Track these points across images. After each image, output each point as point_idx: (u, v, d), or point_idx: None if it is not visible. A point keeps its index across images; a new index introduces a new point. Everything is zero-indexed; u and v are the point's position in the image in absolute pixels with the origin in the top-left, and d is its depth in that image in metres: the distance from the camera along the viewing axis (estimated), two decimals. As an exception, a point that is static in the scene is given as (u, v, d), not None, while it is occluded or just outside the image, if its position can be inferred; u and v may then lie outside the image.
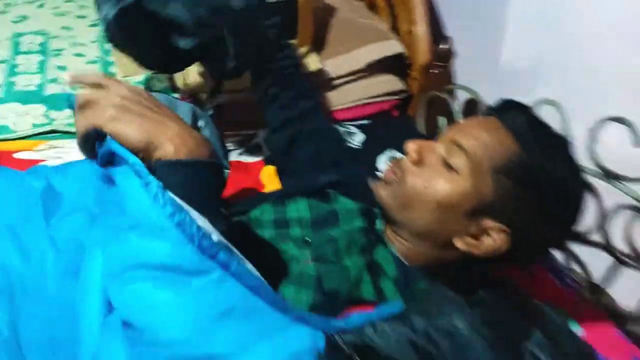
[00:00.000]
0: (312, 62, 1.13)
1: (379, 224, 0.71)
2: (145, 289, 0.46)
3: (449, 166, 0.62)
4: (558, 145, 0.64)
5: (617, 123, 0.79)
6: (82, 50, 1.31)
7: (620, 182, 0.80)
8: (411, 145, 0.65)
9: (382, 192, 0.66)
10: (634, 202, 0.78)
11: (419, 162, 0.65)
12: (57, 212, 0.61)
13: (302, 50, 1.13)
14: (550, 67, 1.07)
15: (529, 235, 0.62)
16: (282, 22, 0.90)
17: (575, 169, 0.64)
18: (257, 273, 0.51)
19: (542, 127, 0.64)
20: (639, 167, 0.78)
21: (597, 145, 0.82)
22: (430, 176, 0.63)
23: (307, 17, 1.11)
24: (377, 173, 1.02)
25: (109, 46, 1.27)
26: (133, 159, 0.51)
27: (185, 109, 0.66)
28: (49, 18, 1.42)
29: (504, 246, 0.61)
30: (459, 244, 0.62)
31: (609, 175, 0.81)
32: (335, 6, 1.31)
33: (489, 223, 0.61)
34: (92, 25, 1.39)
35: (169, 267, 0.47)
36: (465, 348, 0.49)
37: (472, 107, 1.32)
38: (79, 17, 1.44)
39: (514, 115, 0.63)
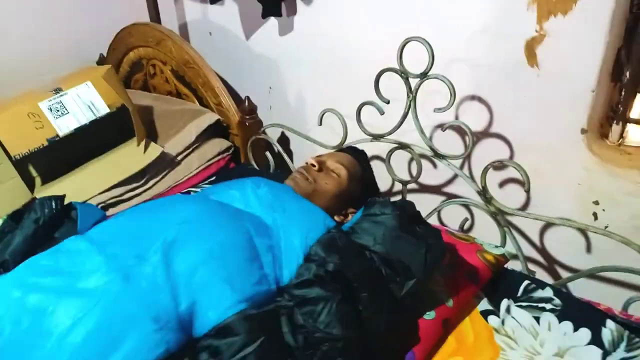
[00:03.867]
0: (154, 150, 1.41)
1: None
2: None
3: (336, 174, 1.06)
4: (366, 160, 1.19)
5: (369, 105, 1.24)
6: None
7: (381, 138, 1.25)
8: (313, 160, 1.08)
9: (295, 186, 1.02)
10: (395, 145, 1.23)
11: (320, 170, 1.06)
12: None
13: (142, 145, 1.40)
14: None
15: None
16: (118, 128, 1.16)
17: (371, 168, 1.19)
18: None
19: (363, 154, 1.19)
20: (387, 128, 1.24)
21: (361, 119, 1.27)
22: (328, 179, 1.05)
23: (137, 119, 1.39)
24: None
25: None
26: None
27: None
28: None
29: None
30: (336, 218, 1.06)
31: (373, 136, 1.26)
32: (151, 105, 1.62)
33: (350, 209, 1.08)
34: None
35: None
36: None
37: (284, 138, 1.74)
38: None
39: (353, 152, 1.19)
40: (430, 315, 0.90)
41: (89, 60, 1.92)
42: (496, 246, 1.06)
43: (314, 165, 1.05)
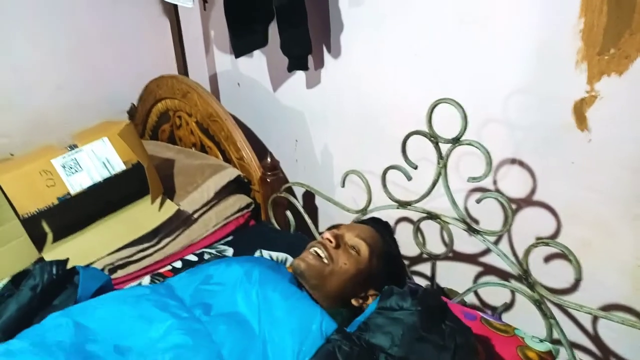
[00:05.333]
0: (170, 208, 1.34)
1: None
2: None
3: (355, 251, 0.92)
4: (390, 233, 1.05)
5: (395, 169, 1.14)
6: None
7: (409, 206, 1.14)
8: (329, 235, 0.93)
9: (306, 269, 0.89)
10: (423, 215, 1.11)
11: (337, 247, 0.92)
12: None
13: (156, 202, 1.34)
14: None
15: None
16: (134, 185, 1.09)
17: (396, 243, 1.05)
18: None
19: (386, 227, 1.05)
20: (414, 194, 1.12)
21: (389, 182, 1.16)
22: (347, 257, 0.91)
23: (153, 176, 1.33)
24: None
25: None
26: None
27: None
28: None
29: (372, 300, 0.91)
30: (354, 302, 0.92)
31: (400, 203, 1.14)
32: (173, 158, 1.58)
33: (371, 292, 0.93)
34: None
35: None
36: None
37: (309, 194, 1.65)
38: None
39: (375, 224, 1.04)
40: None
41: (120, 110, 1.93)
42: (540, 340, 0.91)
43: (330, 241, 0.93)
